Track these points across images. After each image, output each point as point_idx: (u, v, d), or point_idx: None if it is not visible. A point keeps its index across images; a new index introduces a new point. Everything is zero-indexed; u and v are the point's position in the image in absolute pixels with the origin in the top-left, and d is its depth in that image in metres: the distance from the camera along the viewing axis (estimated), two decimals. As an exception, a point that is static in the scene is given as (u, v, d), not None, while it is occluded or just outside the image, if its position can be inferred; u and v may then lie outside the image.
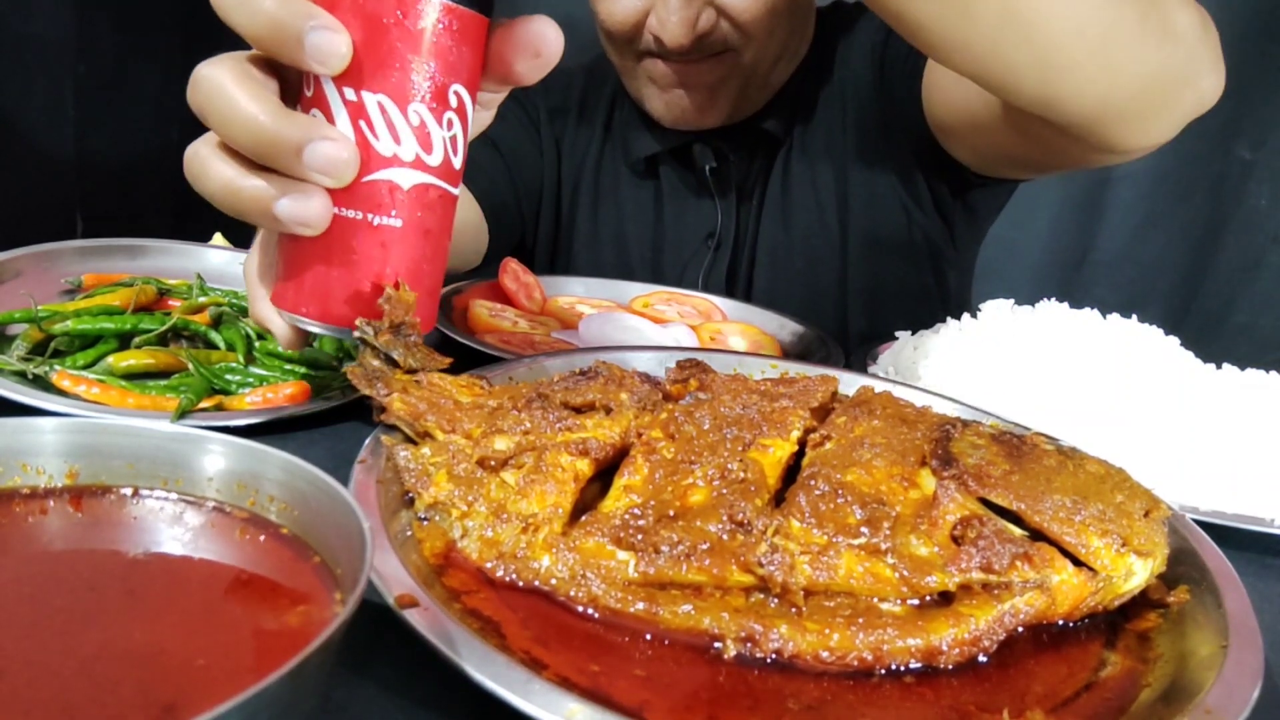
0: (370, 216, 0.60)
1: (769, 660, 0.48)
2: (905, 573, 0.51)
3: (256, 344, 0.81)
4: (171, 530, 0.45)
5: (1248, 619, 0.53)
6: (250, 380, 0.76)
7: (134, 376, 0.73)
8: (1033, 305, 0.98)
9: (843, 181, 1.32)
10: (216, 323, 0.82)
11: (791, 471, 0.60)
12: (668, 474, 0.57)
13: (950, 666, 0.50)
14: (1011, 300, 0.99)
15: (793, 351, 1.06)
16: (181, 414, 0.67)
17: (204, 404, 0.71)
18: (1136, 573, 0.55)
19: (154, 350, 0.76)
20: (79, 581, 0.41)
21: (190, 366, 0.74)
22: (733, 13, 1.17)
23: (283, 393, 0.74)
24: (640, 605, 0.50)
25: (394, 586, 0.46)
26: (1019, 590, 0.52)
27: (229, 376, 0.75)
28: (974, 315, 0.99)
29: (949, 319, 1.00)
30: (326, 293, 0.61)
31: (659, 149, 1.36)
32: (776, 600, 0.51)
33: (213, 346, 0.80)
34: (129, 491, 0.46)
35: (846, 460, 0.58)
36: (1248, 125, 2.05)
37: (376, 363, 0.65)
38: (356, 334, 0.66)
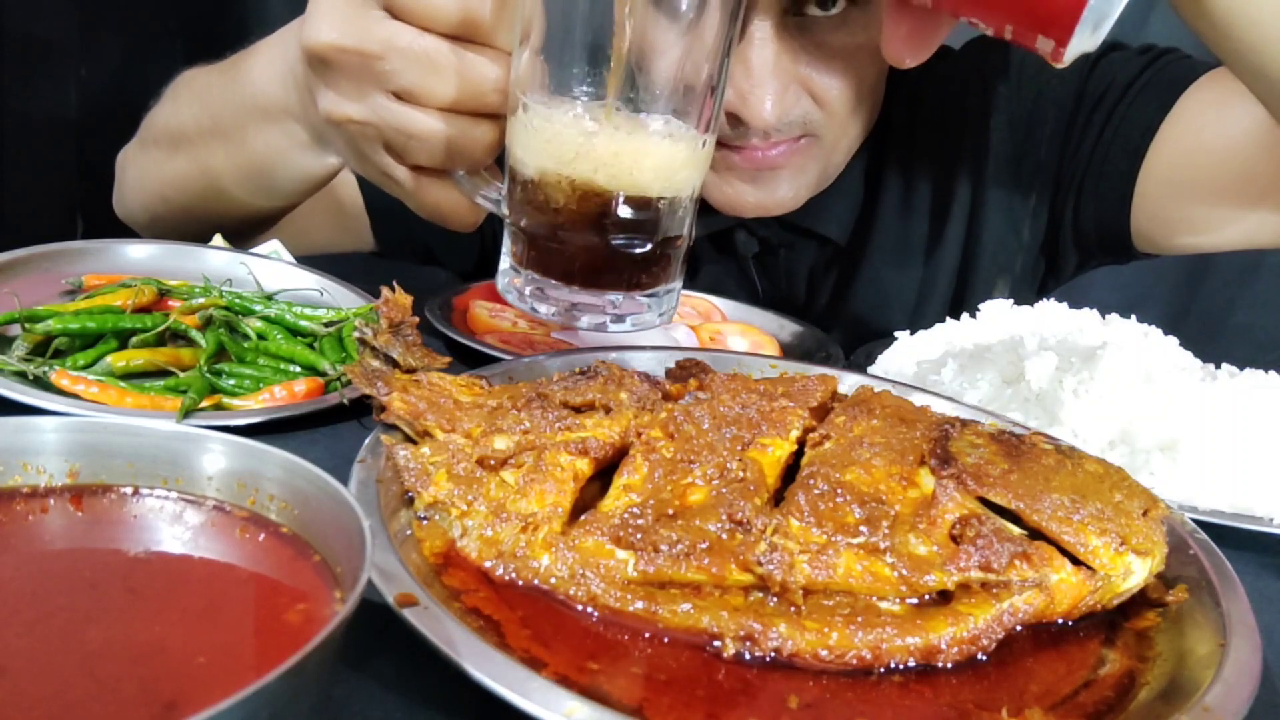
0: None
1: (768, 659, 0.49)
2: (904, 572, 0.52)
3: (254, 343, 0.81)
4: (172, 529, 0.45)
5: (1246, 618, 0.54)
6: (247, 381, 0.76)
7: (133, 376, 0.74)
8: (1032, 305, 0.98)
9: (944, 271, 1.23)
10: (206, 324, 0.82)
11: (791, 471, 0.60)
12: (667, 473, 0.57)
13: (949, 665, 0.50)
14: (1011, 300, 0.99)
15: (793, 352, 1.06)
16: (185, 413, 0.67)
17: (204, 403, 0.71)
18: (1135, 572, 0.55)
19: (153, 350, 0.76)
20: (80, 580, 0.41)
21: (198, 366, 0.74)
22: (818, 90, 1.04)
23: (296, 389, 0.74)
24: (639, 604, 0.50)
25: (394, 585, 0.46)
26: (1018, 589, 0.52)
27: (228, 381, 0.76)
28: (974, 315, 0.99)
29: (948, 319, 1.00)
30: None
31: (698, 233, 1.25)
32: (775, 599, 0.51)
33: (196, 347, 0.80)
34: (129, 490, 0.47)
35: (845, 459, 0.58)
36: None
37: (376, 362, 0.65)
38: (355, 334, 0.66)
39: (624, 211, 0.69)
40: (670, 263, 0.75)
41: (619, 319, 0.73)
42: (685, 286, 1.22)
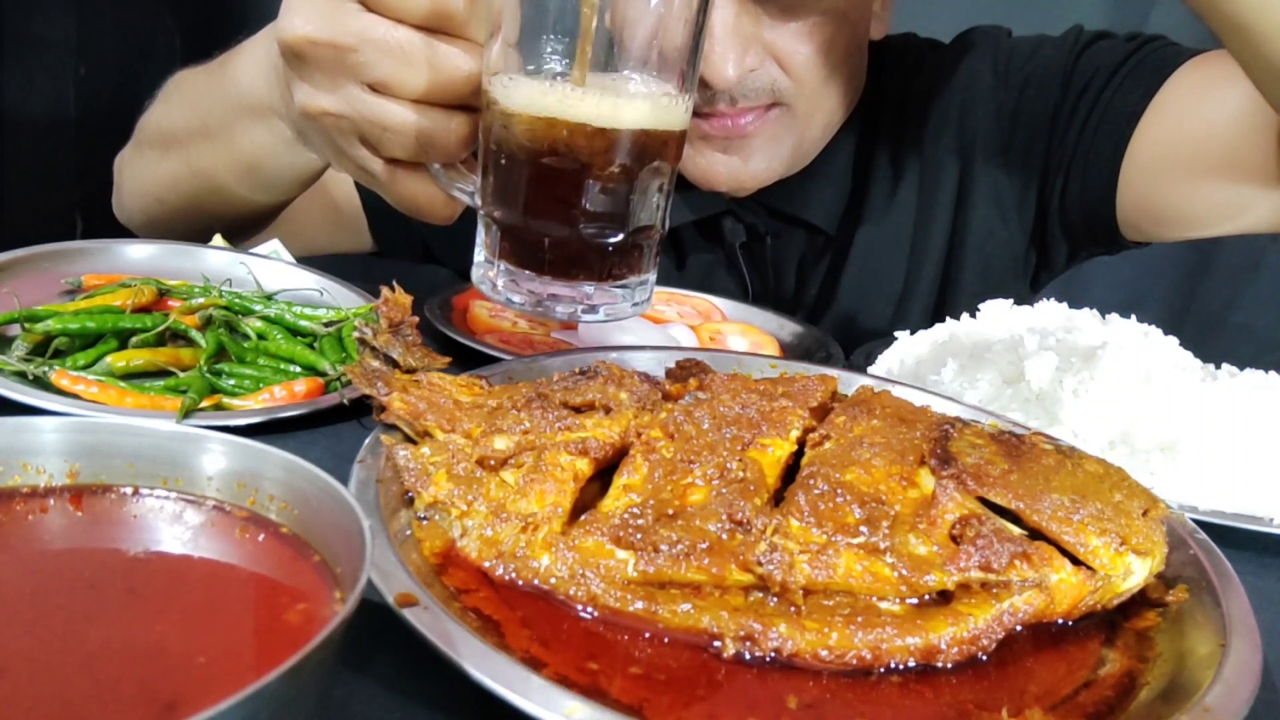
0: None
1: (768, 659, 0.49)
2: (904, 572, 0.51)
3: (254, 343, 0.81)
4: (172, 529, 0.45)
5: (1246, 618, 0.54)
6: (247, 381, 0.76)
7: (133, 376, 0.74)
8: (1032, 305, 0.98)
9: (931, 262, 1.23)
10: (206, 324, 0.82)
11: (791, 471, 0.60)
12: (667, 473, 0.57)
13: (949, 665, 0.50)
14: (1011, 300, 0.99)
15: (793, 351, 1.06)
16: (185, 413, 0.67)
17: (204, 403, 0.71)
18: (1135, 572, 0.55)
19: (153, 350, 0.76)
20: (79, 580, 0.41)
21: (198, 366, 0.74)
22: (784, 56, 1.05)
23: (296, 389, 0.74)
24: (639, 604, 0.50)
25: (394, 585, 0.46)
26: (1018, 589, 0.52)
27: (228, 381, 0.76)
28: (974, 315, 0.99)
29: (948, 318, 1.00)
30: None
31: (684, 220, 1.24)
32: (775, 599, 0.51)
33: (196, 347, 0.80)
34: (129, 490, 0.47)
35: (845, 459, 0.58)
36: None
37: (376, 363, 0.65)
38: (355, 334, 0.66)
39: (597, 193, 0.69)
40: (643, 253, 0.74)
41: (592, 309, 0.73)
42: (674, 279, 1.22)
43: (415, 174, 0.76)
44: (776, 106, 1.09)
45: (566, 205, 0.69)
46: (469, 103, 0.72)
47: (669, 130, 0.70)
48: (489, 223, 0.74)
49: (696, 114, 1.07)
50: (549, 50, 0.67)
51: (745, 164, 1.12)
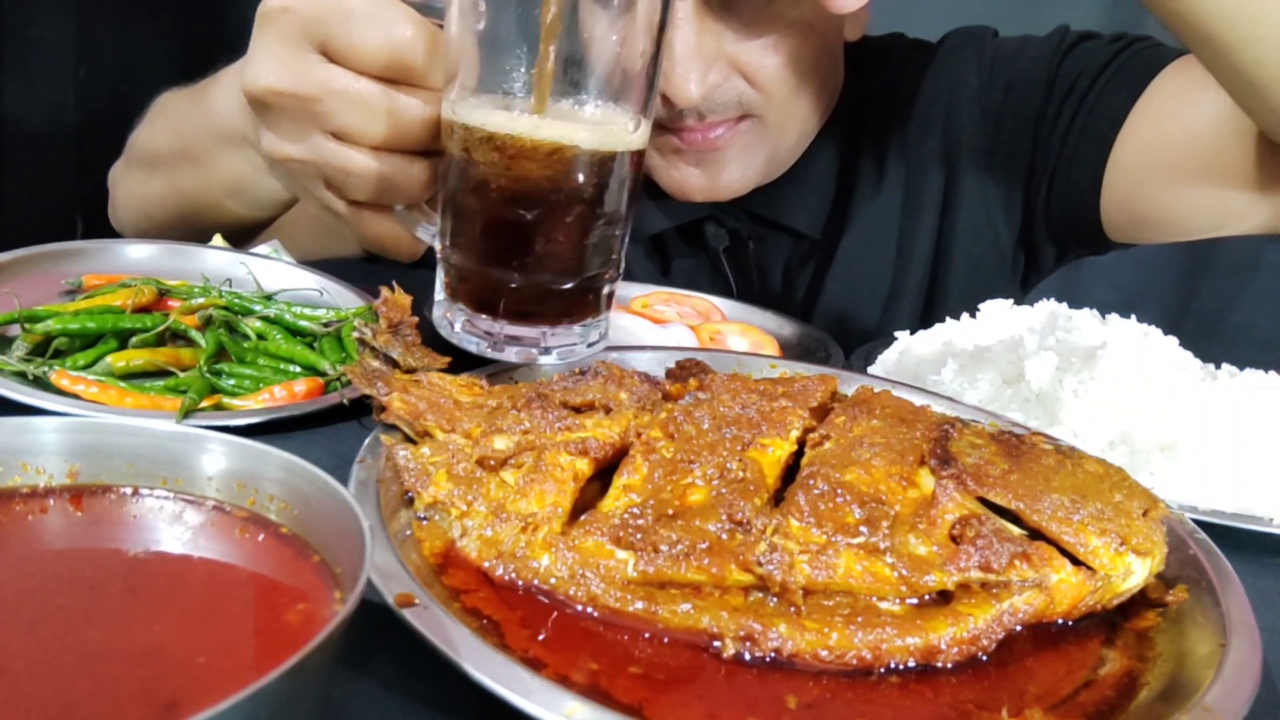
0: None
1: (768, 659, 0.49)
2: (904, 572, 0.52)
3: (254, 343, 0.81)
4: (171, 529, 0.45)
5: (1246, 618, 0.54)
6: (247, 381, 0.76)
7: (133, 376, 0.74)
8: (1031, 305, 0.98)
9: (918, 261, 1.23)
10: (206, 324, 0.82)
11: (791, 471, 0.60)
12: (667, 473, 0.57)
13: (949, 665, 0.50)
14: (1010, 300, 0.99)
15: (792, 350, 1.06)
16: (185, 413, 0.67)
17: (204, 403, 0.71)
18: (1135, 572, 0.55)
19: (153, 350, 0.76)
20: (79, 580, 0.41)
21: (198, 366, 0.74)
22: (749, 70, 1.04)
23: (296, 389, 0.74)
24: (639, 604, 0.50)
25: (393, 585, 0.46)
26: (1018, 589, 0.52)
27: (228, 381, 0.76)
28: (973, 315, 0.99)
29: (948, 319, 1.00)
30: None
31: (666, 225, 1.23)
32: (775, 599, 0.51)
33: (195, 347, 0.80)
34: (129, 490, 0.47)
35: (845, 460, 0.58)
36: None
37: (376, 362, 0.65)
38: (355, 334, 0.66)
39: (553, 236, 0.70)
40: (599, 295, 0.76)
41: (546, 350, 0.75)
42: (659, 283, 1.23)
43: (380, 215, 0.79)
44: (747, 118, 1.09)
45: (522, 250, 0.71)
46: (430, 148, 0.75)
47: (623, 157, 0.71)
48: (448, 265, 0.75)
49: (667, 128, 1.07)
50: (505, 94, 0.69)
51: (719, 176, 1.12)
